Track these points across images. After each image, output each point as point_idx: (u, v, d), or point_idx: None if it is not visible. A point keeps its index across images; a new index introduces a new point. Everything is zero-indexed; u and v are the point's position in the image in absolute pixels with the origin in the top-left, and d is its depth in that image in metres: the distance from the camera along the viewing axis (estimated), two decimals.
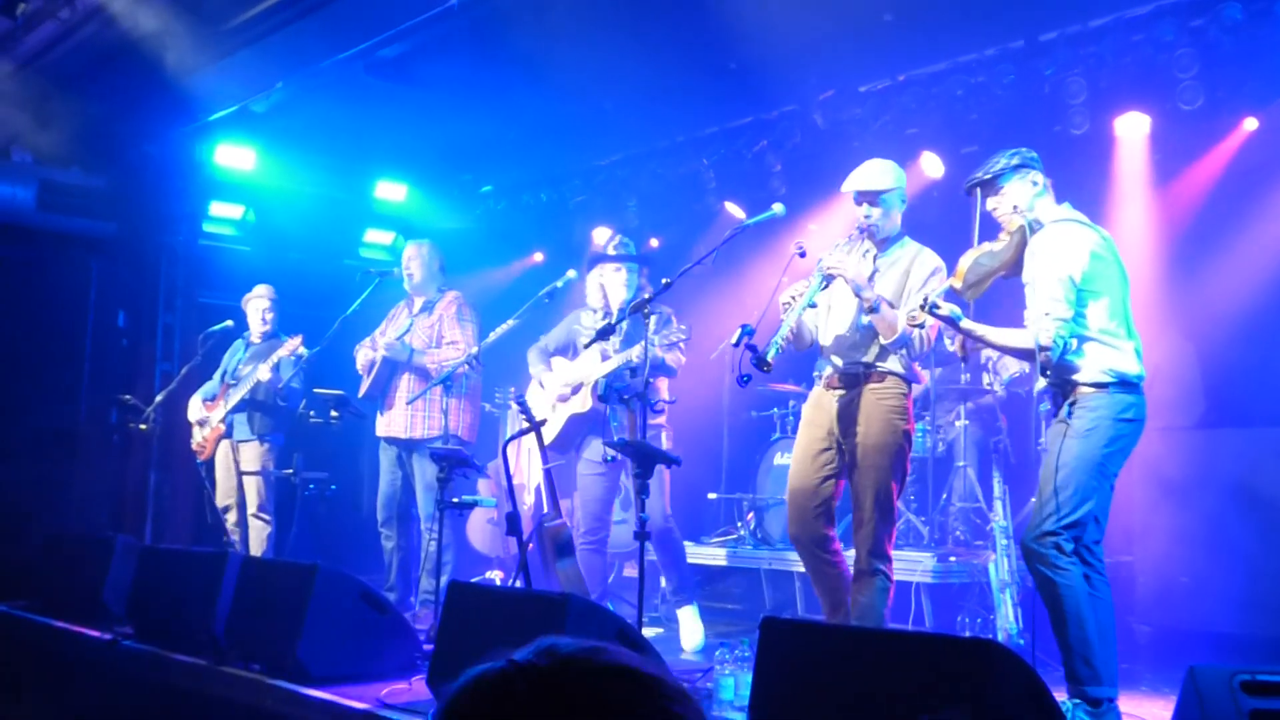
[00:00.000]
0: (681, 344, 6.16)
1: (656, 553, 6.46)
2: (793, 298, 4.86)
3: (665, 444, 6.45)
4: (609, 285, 6.48)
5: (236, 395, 7.64)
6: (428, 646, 5.12)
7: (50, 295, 8.86)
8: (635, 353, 6.08)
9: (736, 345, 4.70)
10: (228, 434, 7.74)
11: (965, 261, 4.46)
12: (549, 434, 6.65)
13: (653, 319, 6.21)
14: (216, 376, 7.98)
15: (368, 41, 6.95)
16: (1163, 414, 6.46)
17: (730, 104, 8.24)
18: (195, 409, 7.91)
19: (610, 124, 8.45)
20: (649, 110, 8.20)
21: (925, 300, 4.37)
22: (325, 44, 7.09)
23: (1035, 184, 4.48)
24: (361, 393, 7.37)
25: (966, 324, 4.42)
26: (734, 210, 8.55)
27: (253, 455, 7.67)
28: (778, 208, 5.39)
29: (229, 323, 7.90)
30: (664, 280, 5.57)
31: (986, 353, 7.01)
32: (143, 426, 7.97)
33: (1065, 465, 4.17)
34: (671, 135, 8.86)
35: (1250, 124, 6.46)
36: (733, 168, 8.45)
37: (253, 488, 7.66)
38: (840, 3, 6.44)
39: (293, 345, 7.36)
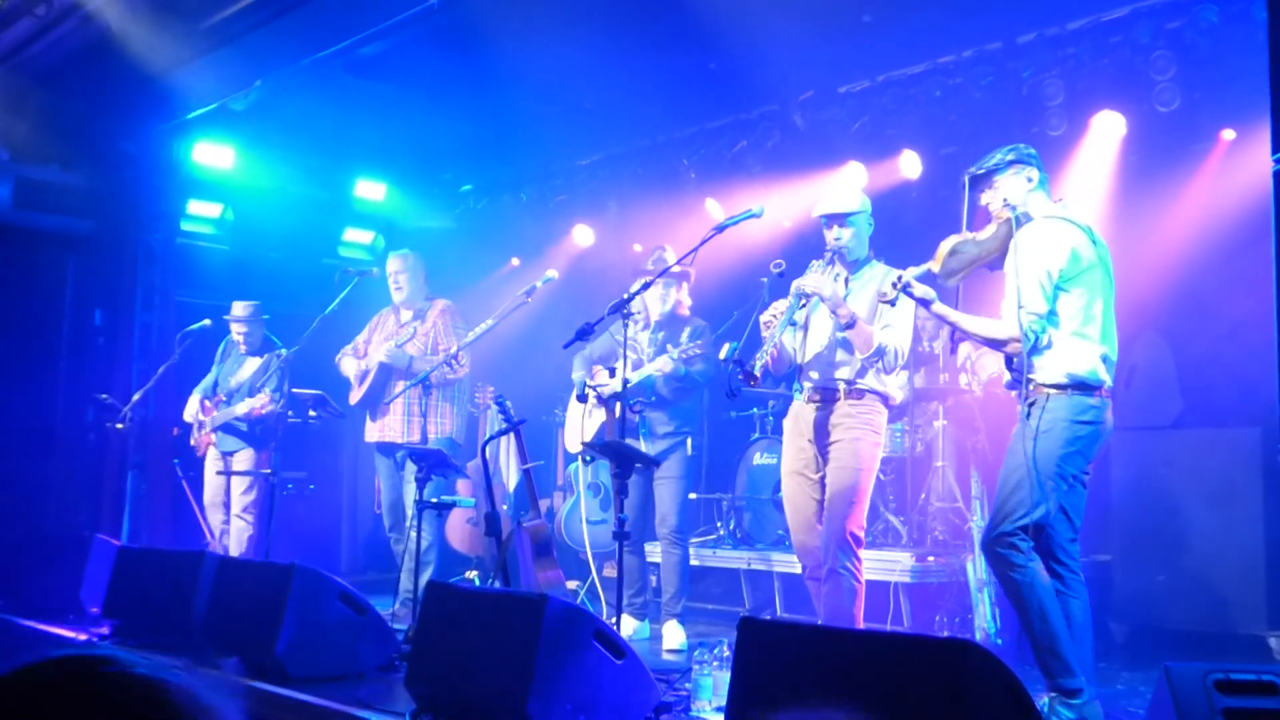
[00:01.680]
0: (704, 354, 6.29)
1: (663, 557, 6.54)
2: (774, 316, 5.01)
3: (689, 451, 6.58)
4: (648, 297, 6.53)
5: (225, 415, 7.67)
6: (406, 646, 5.11)
7: (26, 293, 8.79)
8: (661, 363, 6.23)
9: (724, 362, 4.86)
10: (219, 443, 7.77)
11: (945, 246, 4.46)
12: (586, 436, 6.79)
13: (687, 330, 6.37)
14: (213, 374, 7.98)
15: (347, 40, 6.92)
16: (1140, 414, 6.52)
17: (710, 104, 8.25)
18: (193, 409, 7.92)
19: (590, 123, 8.45)
20: (629, 110, 8.21)
21: (899, 279, 4.40)
22: (304, 42, 7.06)
23: (1030, 180, 4.49)
24: (355, 400, 7.36)
25: (939, 307, 4.46)
26: (714, 209, 8.56)
27: (245, 459, 7.68)
28: (756, 208, 5.45)
29: (207, 321, 7.86)
30: (642, 279, 5.65)
31: (964, 353, 7.04)
32: (120, 425, 7.94)
33: (1020, 467, 4.21)
34: (652, 135, 8.87)
35: (1228, 134, 6.51)
36: (713, 167, 8.46)
37: (239, 488, 7.66)
38: (819, 4, 6.46)
39: (253, 404, 7.33)
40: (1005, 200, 4.47)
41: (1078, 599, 4.29)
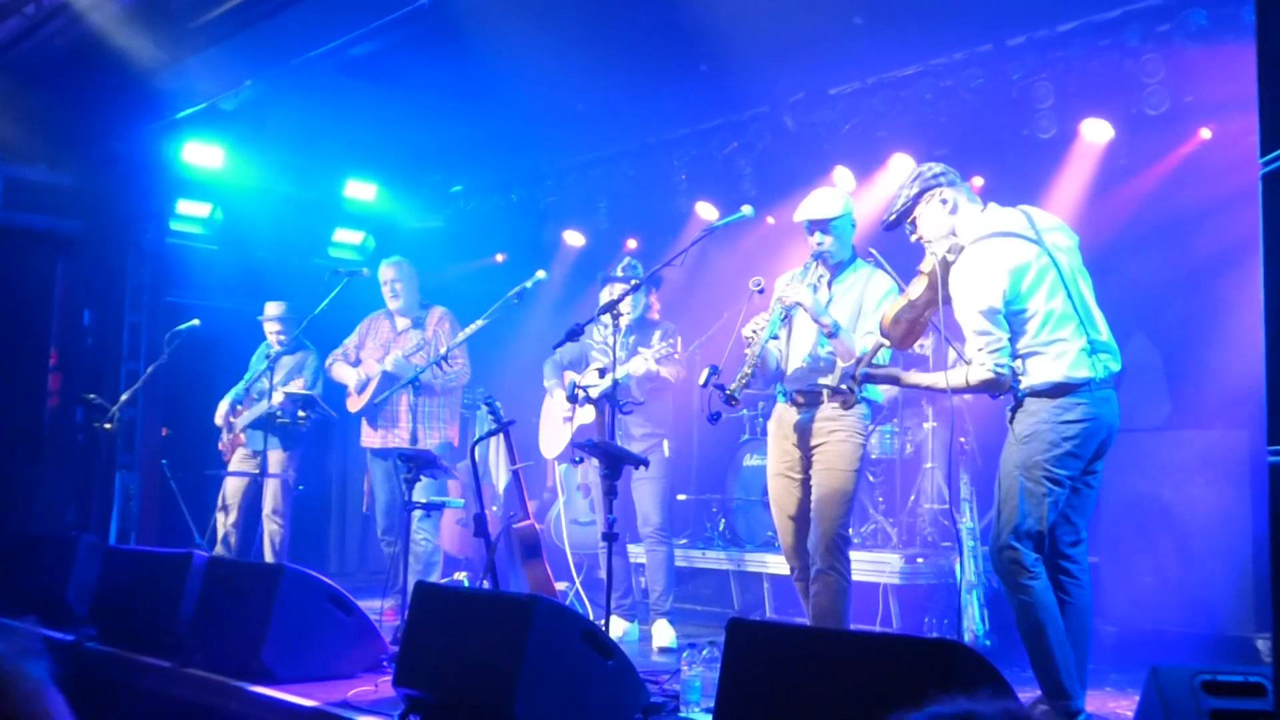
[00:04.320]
0: (675, 356, 6.33)
1: (648, 556, 6.58)
2: (754, 331, 4.95)
3: (665, 452, 6.62)
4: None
5: (255, 412, 7.70)
6: (394, 647, 5.10)
7: (14, 293, 8.76)
8: (637, 363, 6.23)
9: (705, 386, 4.83)
10: (248, 443, 7.78)
11: (886, 319, 4.39)
12: (561, 443, 6.83)
13: (657, 333, 6.39)
14: (243, 382, 8.02)
15: (338, 40, 6.91)
16: (1127, 416, 6.51)
17: (701, 105, 8.25)
18: (222, 412, 7.96)
19: (581, 125, 8.45)
20: (620, 111, 8.20)
21: (855, 376, 4.38)
22: (295, 42, 7.04)
23: (945, 202, 4.35)
24: (356, 408, 7.36)
25: (907, 379, 4.44)
26: (705, 211, 8.56)
27: (276, 460, 7.69)
28: (747, 209, 5.47)
29: (195, 322, 7.84)
30: (632, 281, 5.66)
31: (953, 357, 7.03)
32: (108, 426, 7.91)
33: (1010, 474, 4.14)
34: (643, 136, 8.86)
35: (1205, 133, 6.53)
36: (704, 169, 8.46)
37: (271, 491, 7.67)
38: (810, 6, 6.46)
39: (301, 384, 7.37)
40: (925, 241, 4.36)
41: (1074, 605, 4.23)
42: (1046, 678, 4.09)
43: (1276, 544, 2.16)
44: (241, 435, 7.81)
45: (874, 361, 4.42)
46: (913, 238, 4.47)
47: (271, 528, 7.66)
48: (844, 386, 4.46)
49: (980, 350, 4.14)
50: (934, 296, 4.29)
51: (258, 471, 7.67)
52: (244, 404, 7.91)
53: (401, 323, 7.44)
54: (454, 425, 7.43)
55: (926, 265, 4.29)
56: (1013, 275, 4.12)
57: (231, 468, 7.84)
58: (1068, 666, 4.08)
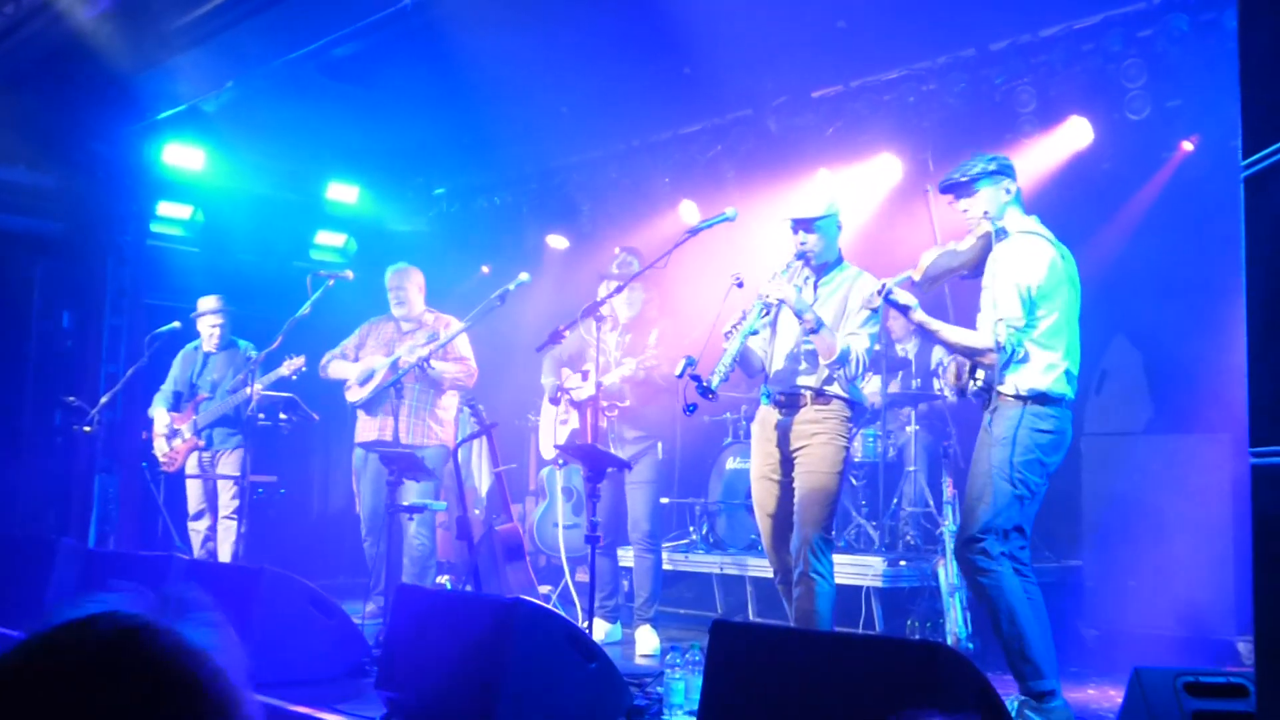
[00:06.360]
0: (655, 364, 6.32)
1: (636, 561, 6.56)
2: (734, 327, 4.93)
3: (659, 456, 6.64)
4: (615, 301, 6.53)
5: (215, 410, 7.59)
6: (377, 650, 5.09)
7: None
8: (625, 370, 6.21)
9: (680, 377, 4.79)
10: (207, 445, 7.68)
11: (927, 258, 4.56)
12: (559, 441, 6.82)
13: (653, 333, 6.38)
14: (169, 385, 7.88)
15: (320, 41, 6.89)
16: (1111, 420, 6.56)
17: (684, 108, 8.25)
18: (161, 420, 7.78)
19: (565, 128, 8.44)
20: (604, 114, 8.20)
21: (883, 287, 4.44)
22: (277, 43, 7.01)
23: (1008, 192, 4.53)
24: (358, 399, 7.26)
25: (919, 315, 4.49)
26: (689, 214, 8.56)
27: (233, 461, 7.61)
28: (729, 211, 5.44)
29: (176, 324, 7.78)
30: (614, 284, 5.65)
31: (936, 358, 7.07)
32: (87, 429, 7.85)
33: (984, 473, 4.30)
34: (626, 139, 8.86)
35: (1188, 145, 6.57)
36: (687, 172, 8.46)
37: (228, 492, 7.58)
38: (794, 9, 6.47)
39: (294, 365, 7.23)
40: (986, 212, 4.50)
41: (1034, 600, 4.33)
42: (1024, 661, 4.20)
43: (1259, 547, 2.16)
44: (199, 439, 7.67)
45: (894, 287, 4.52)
46: (961, 204, 4.59)
47: (229, 525, 7.54)
48: (870, 299, 4.55)
49: (1000, 321, 4.30)
50: (973, 260, 4.52)
51: (220, 474, 7.61)
52: (188, 403, 7.75)
53: (407, 325, 7.33)
54: (451, 426, 7.32)
55: (979, 230, 4.50)
56: (1050, 269, 4.34)
57: (190, 471, 7.72)
58: (1046, 645, 4.19)
